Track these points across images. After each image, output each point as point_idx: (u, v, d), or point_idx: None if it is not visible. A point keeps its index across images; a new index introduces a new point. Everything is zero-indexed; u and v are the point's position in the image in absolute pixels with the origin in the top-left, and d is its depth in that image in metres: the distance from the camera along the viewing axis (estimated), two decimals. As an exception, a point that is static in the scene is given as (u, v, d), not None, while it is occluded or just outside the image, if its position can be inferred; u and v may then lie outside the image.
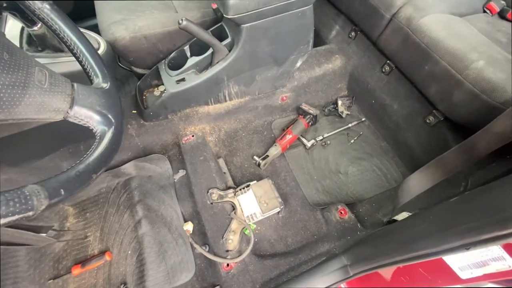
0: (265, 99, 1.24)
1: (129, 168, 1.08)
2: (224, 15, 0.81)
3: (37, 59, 0.40)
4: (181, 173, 1.08)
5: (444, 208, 0.53)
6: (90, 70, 0.47)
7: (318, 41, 1.44)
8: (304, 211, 1.05)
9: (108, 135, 0.40)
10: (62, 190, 0.30)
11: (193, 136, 1.12)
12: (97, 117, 0.41)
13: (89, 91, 0.43)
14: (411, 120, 1.09)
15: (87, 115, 0.40)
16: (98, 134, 0.40)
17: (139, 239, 0.98)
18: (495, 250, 0.50)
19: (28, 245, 0.87)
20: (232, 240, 0.90)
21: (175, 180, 1.08)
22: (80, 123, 0.41)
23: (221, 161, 1.13)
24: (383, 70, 1.16)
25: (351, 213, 0.99)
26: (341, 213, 0.97)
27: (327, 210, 1.01)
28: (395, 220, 0.89)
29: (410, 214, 0.86)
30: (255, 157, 1.16)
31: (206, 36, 0.87)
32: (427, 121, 1.03)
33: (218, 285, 0.86)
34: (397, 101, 1.13)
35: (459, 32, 0.93)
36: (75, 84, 0.42)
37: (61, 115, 0.39)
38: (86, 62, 0.48)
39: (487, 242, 0.43)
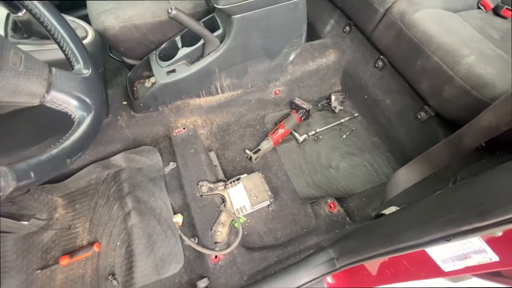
0: (258, 93, 1.23)
1: (119, 159, 1.07)
2: (215, 5, 0.80)
3: (22, 46, 0.39)
4: (172, 165, 1.07)
5: (428, 201, 0.53)
6: (71, 55, 0.46)
7: (313, 35, 1.43)
8: (294, 205, 1.05)
9: (87, 121, 0.40)
10: (32, 173, 0.29)
11: (184, 128, 1.11)
12: (75, 103, 0.40)
13: (68, 76, 0.43)
14: (403, 116, 1.09)
15: (65, 100, 0.40)
16: (77, 120, 0.40)
17: (128, 230, 0.98)
18: (477, 242, 0.51)
19: (8, 232, 0.86)
20: (221, 233, 0.90)
21: (165, 173, 1.07)
22: (58, 109, 0.40)
23: (212, 154, 1.12)
24: (376, 65, 1.16)
25: (341, 207, 0.99)
26: (330, 206, 0.98)
27: (317, 204, 1.01)
28: (383, 214, 0.89)
29: (398, 208, 0.86)
30: (247, 150, 1.16)
31: (197, 26, 0.85)
32: (418, 116, 1.03)
33: (206, 276, 0.86)
34: (389, 97, 1.13)
35: (451, 27, 0.93)
36: (53, 69, 0.41)
37: (37, 99, 0.38)
38: (67, 48, 0.47)
39: (466, 233, 0.43)
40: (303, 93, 1.33)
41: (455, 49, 0.86)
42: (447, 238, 0.45)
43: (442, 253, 0.57)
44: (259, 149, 1.15)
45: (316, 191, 1.11)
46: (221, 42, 0.95)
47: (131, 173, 1.07)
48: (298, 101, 1.27)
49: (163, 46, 1.03)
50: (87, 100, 0.42)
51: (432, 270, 0.60)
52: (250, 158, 1.14)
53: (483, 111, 0.57)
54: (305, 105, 1.25)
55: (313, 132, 1.27)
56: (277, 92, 1.27)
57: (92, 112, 0.41)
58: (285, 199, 1.07)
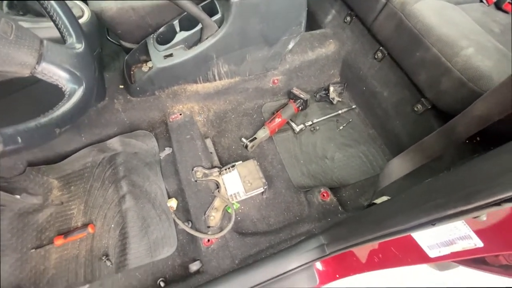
0: (256, 81, 1.23)
1: (115, 143, 1.08)
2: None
3: (17, 23, 0.39)
4: (167, 150, 1.07)
5: (417, 189, 0.54)
6: (63, 29, 0.46)
7: (314, 25, 1.41)
8: (288, 193, 1.06)
9: (77, 94, 0.40)
10: (19, 138, 0.29)
11: (180, 114, 1.11)
12: (66, 75, 0.40)
13: (60, 49, 0.42)
14: (400, 108, 1.09)
15: (55, 73, 0.39)
16: (67, 92, 0.39)
17: (123, 213, 0.99)
18: (463, 229, 0.52)
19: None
20: (214, 217, 0.91)
21: (161, 158, 1.08)
22: (48, 81, 0.40)
23: (208, 141, 1.13)
24: (376, 56, 1.15)
25: (334, 196, 1.00)
26: (323, 195, 0.99)
27: (310, 193, 1.02)
28: (375, 204, 0.90)
29: (389, 198, 0.87)
30: (243, 139, 1.16)
31: (194, 9, 0.84)
32: (415, 109, 1.03)
33: (198, 259, 0.88)
34: (387, 88, 1.13)
35: (452, 19, 0.92)
36: (44, 41, 0.41)
37: (28, 70, 0.38)
38: (60, 21, 0.46)
39: (451, 217, 0.44)
40: (301, 83, 1.32)
41: (454, 41, 0.85)
42: (433, 222, 0.46)
43: (428, 239, 0.58)
44: (255, 138, 1.15)
45: (310, 181, 1.12)
46: (219, 27, 0.94)
47: (126, 157, 1.08)
48: (296, 91, 1.27)
49: (161, 29, 1.02)
50: (78, 74, 0.41)
51: (419, 256, 0.61)
52: (246, 146, 1.14)
53: (476, 101, 0.57)
54: (303, 95, 1.25)
55: (310, 123, 1.27)
56: (275, 81, 1.26)
57: (83, 86, 0.41)
58: (279, 187, 1.08)
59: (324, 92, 1.35)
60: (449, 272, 1.10)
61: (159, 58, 0.97)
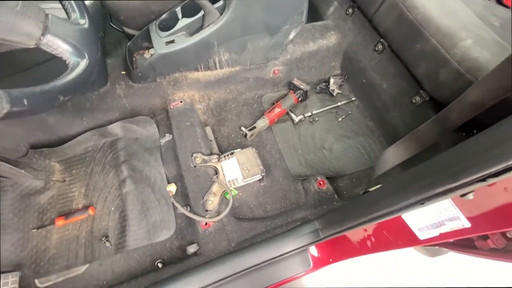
0: (256, 71, 1.24)
1: (116, 128, 1.09)
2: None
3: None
4: (168, 137, 1.09)
5: (406, 173, 0.55)
6: (68, 5, 0.47)
7: (316, 17, 1.42)
8: (286, 181, 1.08)
9: (80, 66, 0.41)
10: (25, 100, 0.31)
11: (181, 102, 1.12)
12: (69, 48, 0.41)
13: (64, 23, 0.44)
14: (398, 100, 1.10)
15: (60, 45, 0.41)
16: (71, 64, 0.41)
17: (123, 197, 1.01)
18: (451, 210, 0.53)
19: (4, 177, 0.89)
20: (212, 201, 0.92)
21: (161, 144, 1.09)
22: (53, 53, 0.41)
23: (208, 129, 1.14)
24: (376, 48, 1.16)
25: (330, 185, 1.01)
26: (319, 184, 1.00)
27: (307, 181, 1.04)
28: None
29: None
30: (242, 128, 1.17)
31: (196, -5, 0.85)
32: (413, 101, 1.04)
33: (196, 242, 0.90)
34: (386, 81, 1.14)
35: (452, 10, 0.93)
36: (49, 14, 0.42)
37: (33, 40, 0.39)
38: (64, -3, 0.47)
39: (439, 195, 0.45)
40: (302, 74, 1.33)
41: (453, 32, 0.86)
42: (422, 202, 0.48)
43: (418, 222, 0.60)
44: (255, 127, 1.16)
45: (308, 170, 1.13)
46: (221, 14, 0.95)
47: (127, 142, 1.10)
48: (296, 82, 1.28)
49: (163, 16, 1.03)
50: (81, 48, 0.43)
51: (409, 238, 0.63)
52: (245, 135, 1.15)
53: (469, 87, 0.58)
54: (303, 86, 1.26)
55: (309, 114, 1.28)
56: (276, 71, 1.27)
57: (86, 59, 0.42)
58: (277, 175, 1.09)
59: (324, 84, 1.36)
60: (440, 258, 1.12)
61: (161, 44, 0.98)
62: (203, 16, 0.96)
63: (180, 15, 1.02)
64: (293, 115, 1.26)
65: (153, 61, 0.99)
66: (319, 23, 1.32)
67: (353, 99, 1.33)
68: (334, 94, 1.34)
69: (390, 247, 0.68)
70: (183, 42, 0.98)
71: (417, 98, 1.03)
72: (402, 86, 1.08)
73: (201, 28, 0.99)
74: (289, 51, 1.24)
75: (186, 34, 0.99)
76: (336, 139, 1.23)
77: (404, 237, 0.64)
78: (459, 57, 0.83)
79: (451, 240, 0.74)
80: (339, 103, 1.31)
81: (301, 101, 1.30)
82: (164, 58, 0.99)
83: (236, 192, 1.03)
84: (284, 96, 1.29)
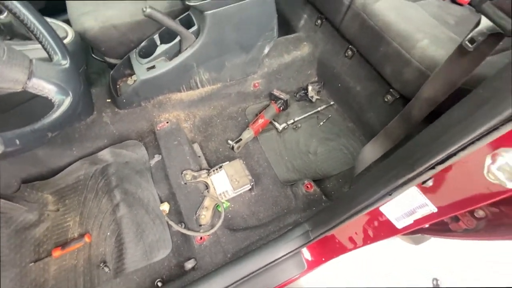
0: (237, 86, 1.29)
1: (106, 155, 1.12)
2: (186, 3, 0.86)
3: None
4: (157, 158, 1.12)
5: (377, 168, 0.60)
6: (49, 48, 0.52)
7: (289, 30, 1.50)
8: (275, 188, 1.12)
9: (65, 104, 0.45)
10: (17, 140, 0.35)
11: (167, 122, 1.16)
12: (54, 88, 0.46)
13: (48, 66, 0.48)
14: (372, 100, 1.17)
15: (45, 86, 0.45)
16: (56, 103, 0.45)
17: (118, 221, 1.03)
18: (419, 197, 0.58)
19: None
20: (205, 216, 0.95)
21: (151, 165, 1.12)
22: (39, 94, 0.45)
23: (196, 146, 1.18)
24: (346, 54, 1.24)
25: (317, 187, 1.06)
26: (307, 187, 1.05)
27: (295, 186, 1.08)
28: (354, 190, 0.96)
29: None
30: (229, 141, 1.22)
31: (171, 23, 0.91)
32: (386, 100, 1.11)
33: (193, 257, 0.92)
34: (359, 83, 1.21)
35: (408, 15, 1.01)
36: (33, 59, 0.47)
37: (20, 85, 0.44)
38: (46, 42, 0.52)
39: (403, 186, 0.50)
40: (281, 85, 1.40)
41: (410, 34, 0.94)
42: (389, 193, 0.52)
43: (394, 212, 0.64)
44: (241, 139, 1.21)
45: (295, 175, 1.18)
46: (196, 38, 1.01)
47: (118, 167, 1.12)
48: (276, 92, 1.34)
49: (142, 44, 1.08)
50: (65, 86, 0.47)
51: (389, 229, 0.67)
52: (233, 148, 1.20)
53: (423, 84, 0.64)
54: (283, 96, 1.32)
55: (292, 121, 1.33)
56: (256, 84, 1.33)
57: (70, 96, 0.46)
58: (266, 183, 1.13)
59: (303, 91, 1.42)
60: (424, 244, 1.18)
61: (143, 71, 1.03)
62: (180, 41, 1.02)
63: (158, 42, 1.08)
64: (276, 124, 1.31)
65: (136, 87, 1.04)
66: (292, 35, 1.40)
67: (332, 103, 1.40)
68: (313, 100, 1.40)
69: (374, 240, 0.72)
70: (163, 66, 1.03)
71: (389, 96, 1.10)
72: (374, 87, 1.16)
73: (179, 52, 1.05)
74: (266, 65, 1.30)
75: (165, 59, 1.04)
76: (319, 142, 1.28)
77: (384, 229, 0.68)
78: (418, 57, 0.91)
79: (426, 225, 0.78)
80: (319, 108, 1.38)
81: (283, 110, 1.35)
82: (146, 83, 1.03)
83: (228, 204, 1.06)
84: (266, 107, 1.35)
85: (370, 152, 0.85)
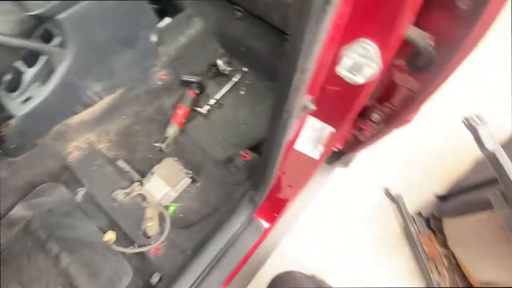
0: (142, 85, 1.20)
1: (20, 211, 0.98)
2: (26, 14, 0.74)
3: None
4: (82, 191, 1.02)
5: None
6: None
7: (175, 10, 1.41)
8: (218, 170, 1.10)
9: None
10: None
11: (78, 150, 1.05)
12: None
13: None
14: (276, 53, 1.18)
15: None
16: None
17: (64, 272, 0.93)
18: (316, 124, 0.60)
19: None
20: (151, 226, 0.90)
21: (78, 201, 1.02)
22: None
23: (120, 162, 1.09)
24: (237, 17, 1.21)
25: (254, 153, 1.06)
26: (244, 156, 1.04)
27: (235, 160, 1.07)
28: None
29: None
30: (155, 143, 1.15)
31: (20, 42, 0.78)
32: (286, 47, 1.12)
33: (155, 271, 0.88)
34: (259, 41, 1.21)
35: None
36: None
37: None
38: None
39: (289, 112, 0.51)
40: (189, 68, 1.33)
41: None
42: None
43: (307, 146, 0.66)
44: (167, 137, 1.14)
45: (234, 149, 1.16)
46: (64, 49, 0.89)
47: (41, 218, 0.99)
48: (186, 78, 1.28)
49: (4, 78, 0.92)
50: None
51: (312, 164, 0.70)
52: (161, 149, 1.13)
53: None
54: (194, 79, 1.27)
55: (214, 101, 1.30)
56: (162, 77, 1.25)
57: None
58: (209, 169, 1.10)
59: (215, 68, 1.38)
60: (353, 164, 1.30)
61: (17, 106, 0.89)
62: (48, 59, 0.89)
63: (23, 68, 0.93)
64: (199, 109, 1.27)
65: (18, 126, 0.90)
66: (179, 15, 1.32)
67: (245, 69, 1.38)
68: (227, 73, 1.37)
69: (305, 179, 0.75)
70: (40, 93, 0.90)
71: (287, 44, 1.11)
72: (270, 38, 1.16)
73: (52, 71, 0.92)
74: (163, 53, 1.22)
75: (39, 84, 0.91)
76: (246, 111, 1.27)
77: (309, 165, 0.71)
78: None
79: (338, 147, 0.84)
80: (235, 79, 1.36)
81: (201, 93, 1.31)
82: (28, 118, 0.90)
83: (176, 205, 1.02)
84: (182, 95, 1.28)
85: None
